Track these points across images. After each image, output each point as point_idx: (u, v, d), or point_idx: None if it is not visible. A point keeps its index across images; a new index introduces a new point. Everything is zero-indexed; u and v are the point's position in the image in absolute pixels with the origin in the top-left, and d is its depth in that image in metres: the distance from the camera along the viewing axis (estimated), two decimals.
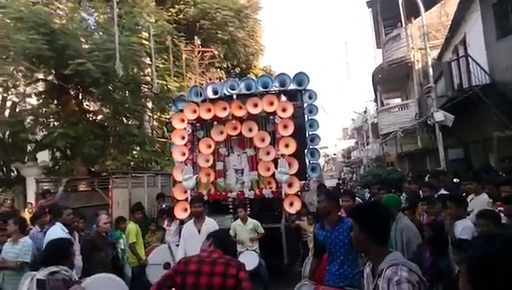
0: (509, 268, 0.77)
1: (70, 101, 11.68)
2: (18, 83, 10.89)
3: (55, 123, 11.57)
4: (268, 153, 7.62)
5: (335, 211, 3.86)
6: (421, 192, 6.95)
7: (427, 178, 9.16)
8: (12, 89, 11.10)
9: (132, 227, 6.49)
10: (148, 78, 12.48)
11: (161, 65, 12.21)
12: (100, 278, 3.72)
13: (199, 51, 9.80)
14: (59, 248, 3.04)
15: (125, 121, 12.73)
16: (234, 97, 7.84)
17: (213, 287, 2.53)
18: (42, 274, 2.79)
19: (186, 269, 2.61)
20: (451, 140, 12.80)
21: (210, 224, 5.34)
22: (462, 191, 6.00)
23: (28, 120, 11.41)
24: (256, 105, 7.59)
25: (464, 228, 3.98)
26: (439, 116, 11.25)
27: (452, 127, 11.46)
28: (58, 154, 12.27)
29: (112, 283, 3.58)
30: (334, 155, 52.37)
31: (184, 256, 3.74)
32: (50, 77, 11.38)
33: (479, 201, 4.88)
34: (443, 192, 6.28)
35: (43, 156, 11.99)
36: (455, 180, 8.23)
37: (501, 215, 3.86)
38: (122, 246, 6.26)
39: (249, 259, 6.20)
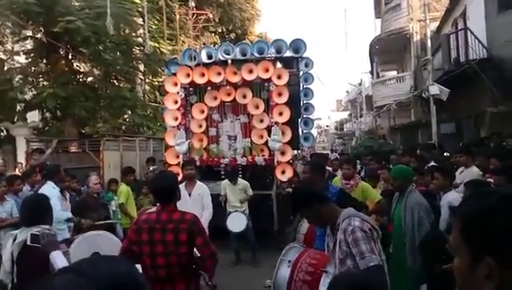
0: (502, 224, 0.77)
1: (60, 60, 11.38)
2: (5, 40, 10.54)
3: (45, 83, 11.32)
4: (262, 120, 7.57)
5: (319, 180, 3.91)
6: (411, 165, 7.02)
7: (418, 151, 9.24)
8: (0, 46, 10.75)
9: (123, 189, 6.49)
10: (140, 39, 12.17)
11: (153, 26, 11.88)
12: (93, 235, 3.74)
13: (193, 14, 9.56)
14: (39, 206, 2.95)
15: (116, 83, 12.51)
16: (229, 62, 7.69)
17: (169, 254, 2.55)
18: (25, 234, 2.73)
19: (139, 239, 2.60)
20: (444, 114, 12.84)
21: (201, 188, 5.37)
22: (452, 164, 6.08)
23: (17, 79, 11.14)
24: (251, 72, 7.47)
25: (450, 200, 4.00)
26: (435, 89, 11.20)
27: (445, 101, 11.45)
28: (48, 114, 12.09)
29: (106, 240, 3.59)
30: (327, 126, 52.44)
31: None
32: (39, 35, 11.03)
33: (469, 173, 4.95)
34: (433, 164, 6.34)
35: (33, 116, 11.81)
36: (445, 154, 8.32)
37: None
38: (114, 208, 6.28)
39: (238, 221, 6.31)
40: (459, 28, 12.41)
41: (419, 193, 3.99)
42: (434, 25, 14.91)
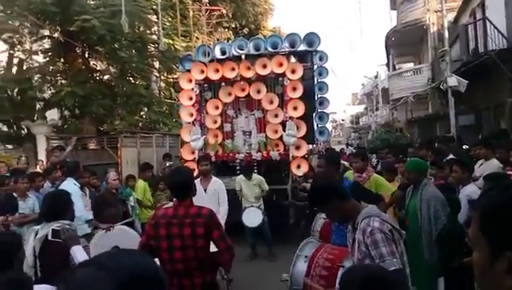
0: None
1: (77, 59, 11.58)
2: (23, 39, 10.77)
3: (63, 82, 11.54)
4: (276, 115, 7.56)
5: (334, 174, 3.89)
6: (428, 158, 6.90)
7: (436, 144, 9.08)
8: (18, 46, 10.99)
9: (140, 184, 6.59)
10: (155, 37, 12.27)
11: (167, 23, 11.94)
12: (114, 229, 3.81)
13: (206, 10, 9.56)
14: (59, 201, 3.01)
15: (132, 81, 12.66)
16: (243, 57, 7.69)
17: (187, 248, 2.57)
18: (46, 229, 2.80)
19: (157, 233, 2.64)
20: (462, 106, 12.58)
21: (217, 184, 5.40)
22: (471, 156, 5.96)
23: (36, 78, 11.38)
24: (265, 66, 7.44)
25: (468, 193, 3.94)
26: (453, 81, 10.96)
27: (464, 93, 11.21)
28: (67, 113, 12.34)
29: (125, 234, 3.66)
30: (342, 120, 51.97)
31: None
32: (56, 34, 11.23)
33: (489, 166, 4.84)
34: (451, 157, 6.22)
35: (53, 115, 12.07)
36: (464, 147, 8.15)
37: None
38: (132, 203, 6.38)
39: (253, 216, 6.34)
40: (477, 18, 12.10)
41: (434, 186, 3.97)
42: (451, 15, 14.57)
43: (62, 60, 11.77)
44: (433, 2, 16.12)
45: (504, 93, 9.91)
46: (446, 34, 12.31)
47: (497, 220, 0.79)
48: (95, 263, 0.76)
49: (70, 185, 4.84)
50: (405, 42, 19.46)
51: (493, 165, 4.86)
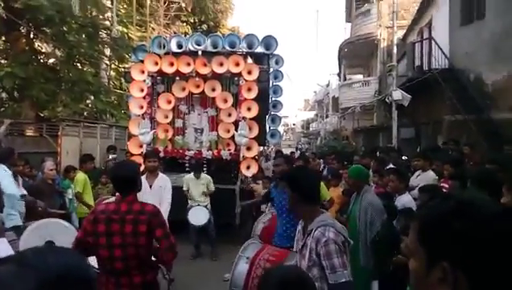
0: (459, 229, 0.77)
1: (20, 38, 10.78)
2: None
3: (3, 62, 10.69)
4: (229, 114, 7.53)
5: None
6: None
7: (378, 153, 9.52)
8: None
9: (81, 177, 6.25)
10: (108, 23, 11.73)
11: (122, 10, 11.49)
12: (47, 223, 3.57)
13: (165, 1, 9.30)
14: None
15: (79, 67, 12.01)
16: (199, 53, 7.58)
17: (127, 246, 2.47)
18: None
19: (95, 230, 2.51)
20: (404, 119, 13.31)
21: (163, 181, 5.24)
22: (410, 167, 6.32)
23: None
24: (221, 65, 7.40)
25: (403, 203, 4.14)
26: (397, 95, 11.58)
27: (407, 107, 11.88)
28: (4, 95, 11.44)
29: (60, 228, 3.43)
30: (294, 125, 53.06)
31: None
32: None
33: (425, 177, 5.15)
34: (391, 166, 6.55)
35: None
36: (403, 157, 8.62)
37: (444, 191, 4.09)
38: (70, 196, 6.05)
39: (200, 215, 6.26)
40: (424, 37, 12.88)
41: (373, 194, 4.09)
42: (401, 33, 15.40)
43: (3, 39, 10.90)
44: (385, 18, 16.94)
45: (443, 110, 10.63)
46: (395, 50, 12.98)
47: (436, 230, 0.80)
48: (18, 259, 0.69)
49: (1, 172, 4.48)
50: (357, 54, 20.26)
51: (429, 176, 5.18)
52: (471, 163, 5.98)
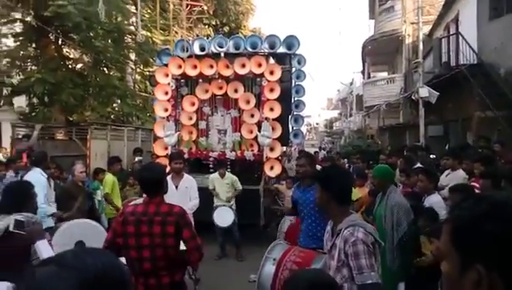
0: (494, 230, 0.75)
1: (49, 45, 11.17)
2: None
3: (33, 68, 11.11)
4: (252, 115, 7.55)
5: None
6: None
7: (405, 152, 9.32)
8: None
9: (109, 178, 6.42)
10: (132, 28, 12.00)
11: (146, 15, 11.73)
12: (77, 223, 3.68)
13: (187, 5, 9.42)
14: (21, 192, 2.84)
15: (106, 71, 12.33)
16: (222, 55, 7.64)
17: (156, 247, 2.51)
18: (7, 220, 2.64)
19: (125, 231, 2.56)
20: (432, 117, 12.99)
21: (188, 181, 5.31)
22: (439, 166, 6.16)
23: (4, 62, 10.90)
24: (244, 66, 7.42)
25: (432, 203, 4.03)
26: (424, 92, 11.30)
27: (434, 104, 11.58)
28: (35, 100, 11.87)
29: (90, 228, 3.54)
30: (317, 124, 52.67)
31: None
32: (28, 18, 10.78)
33: (455, 176, 5.01)
34: (419, 165, 6.40)
35: (20, 102, 11.59)
36: (432, 156, 8.41)
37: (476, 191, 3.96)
38: (100, 198, 6.21)
39: (225, 215, 6.31)
40: (451, 33, 12.54)
41: (400, 194, 3.99)
42: (426, 28, 15.03)
43: (33, 46, 11.32)
44: (410, 14, 16.56)
45: (472, 106, 10.31)
46: (420, 46, 12.68)
47: (470, 233, 0.79)
48: (58, 261, 0.72)
49: (37, 175, 4.65)
50: (381, 51, 19.91)
51: (459, 176, 5.03)
52: (502, 161, 5.77)
